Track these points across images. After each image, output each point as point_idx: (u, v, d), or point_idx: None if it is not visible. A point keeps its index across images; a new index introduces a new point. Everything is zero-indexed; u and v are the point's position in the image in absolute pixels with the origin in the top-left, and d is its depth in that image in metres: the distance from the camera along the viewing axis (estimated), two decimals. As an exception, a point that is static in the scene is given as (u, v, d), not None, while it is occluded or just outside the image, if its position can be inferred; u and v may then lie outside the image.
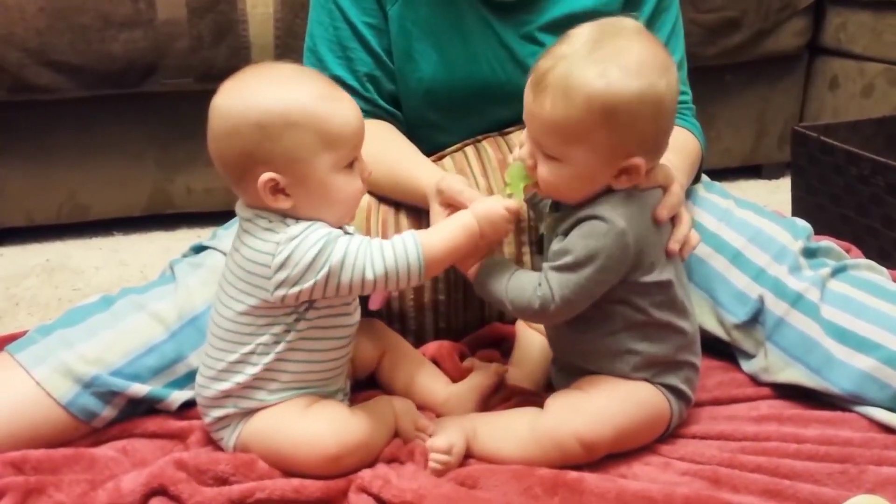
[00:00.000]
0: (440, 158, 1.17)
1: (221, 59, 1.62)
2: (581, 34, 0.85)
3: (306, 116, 0.84)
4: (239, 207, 0.90)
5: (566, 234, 0.88)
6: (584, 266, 0.85)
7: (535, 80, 0.85)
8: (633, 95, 0.82)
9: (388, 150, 1.08)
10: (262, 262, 0.85)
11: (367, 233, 1.10)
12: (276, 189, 0.85)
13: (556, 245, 0.88)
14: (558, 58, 0.83)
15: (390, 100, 1.15)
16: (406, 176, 1.06)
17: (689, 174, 1.08)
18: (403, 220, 1.11)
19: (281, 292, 0.85)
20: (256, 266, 0.85)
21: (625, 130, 0.83)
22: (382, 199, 1.12)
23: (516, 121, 1.16)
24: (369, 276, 0.85)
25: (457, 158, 1.17)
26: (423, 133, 1.17)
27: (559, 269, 0.86)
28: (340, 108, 0.86)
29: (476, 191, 0.96)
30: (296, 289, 0.84)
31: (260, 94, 0.84)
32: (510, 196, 0.90)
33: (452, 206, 0.96)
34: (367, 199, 1.11)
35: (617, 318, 0.89)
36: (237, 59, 1.62)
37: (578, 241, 0.86)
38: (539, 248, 1.09)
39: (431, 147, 1.16)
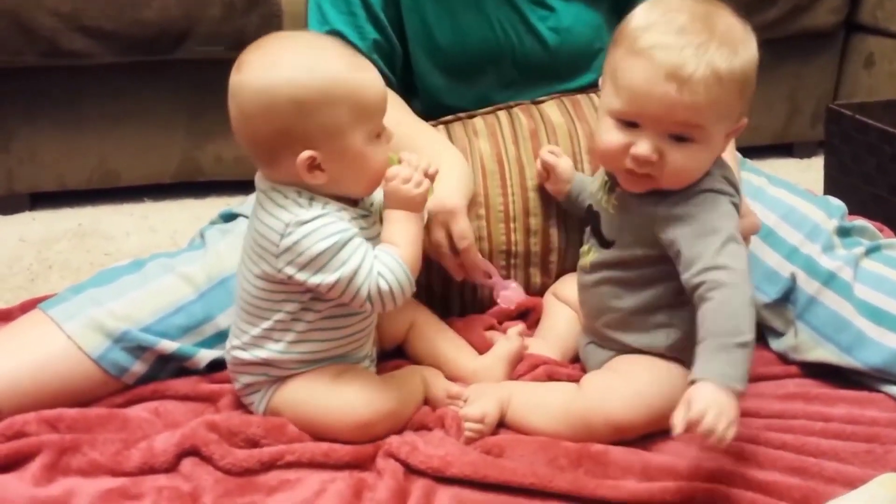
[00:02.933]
0: (471, 117, 1.16)
1: (253, 27, 1.62)
2: (673, 17, 0.83)
3: (342, 90, 0.83)
4: (258, 178, 0.90)
5: (670, 208, 0.86)
6: (736, 235, 0.84)
7: (674, 71, 0.81)
8: (754, 63, 0.85)
9: (402, 124, 1.04)
10: (270, 238, 0.85)
11: None
12: (312, 165, 0.84)
13: (667, 228, 0.86)
14: (686, 45, 0.81)
15: (388, 62, 1.13)
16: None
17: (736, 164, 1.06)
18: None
19: (288, 271, 0.85)
20: (266, 241, 0.86)
21: (749, 95, 0.86)
22: None
23: (520, 83, 1.16)
24: (368, 301, 0.85)
25: (488, 121, 1.16)
26: (428, 95, 1.17)
27: (723, 247, 0.82)
28: (370, 78, 0.86)
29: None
30: (301, 275, 0.84)
31: (292, 68, 0.83)
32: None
33: None
34: None
35: (663, 292, 0.90)
36: (269, 27, 1.62)
37: (710, 215, 0.85)
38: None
39: (434, 109, 1.16)
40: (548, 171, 1.08)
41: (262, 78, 0.83)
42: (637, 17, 0.86)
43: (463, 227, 0.98)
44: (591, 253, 0.96)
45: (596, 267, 0.95)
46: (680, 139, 0.84)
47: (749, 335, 0.79)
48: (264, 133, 0.84)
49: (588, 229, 0.97)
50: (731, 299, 0.80)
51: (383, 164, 0.88)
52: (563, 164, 1.08)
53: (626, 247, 0.91)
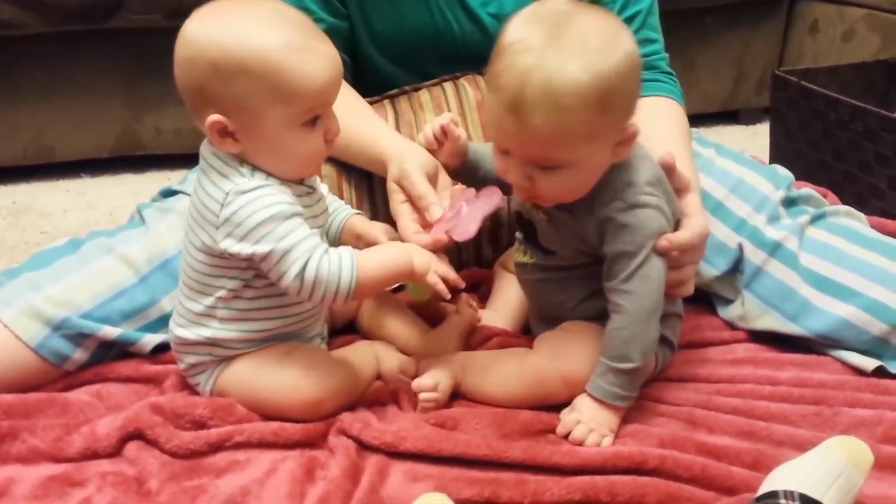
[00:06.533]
0: (416, 90, 1.15)
1: (191, -6, 1.57)
2: (526, 33, 0.77)
3: (264, 65, 0.78)
4: (203, 144, 0.87)
5: (591, 227, 0.86)
6: (653, 257, 0.85)
7: (512, 101, 0.77)
8: (618, 72, 0.78)
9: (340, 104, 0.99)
10: (211, 208, 0.83)
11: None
12: (224, 132, 0.81)
13: (601, 240, 0.86)
14: (525, 70, 0.76)
15: (338, 40, 1.07)
16: (363, 138, 1.02)
17: (689, 145, 1.06)
18: (378, 190, 1.08)
19: (226, 244, 0.82)
20: (207, 211, 0.83)
21: (619, 107, 0.80)
22: (351, 167, 1.08)
23: (462, 67, 1.15)
24: (295, 283, 0.81)
25: (434, 93, 1.14)
26: (372, 79, 1.14)
27: (635, 271, 0.84)
28: (308, 62, 0.80)
29: (435, 195, 0.93)
30: (238, 246, 0.81)
31: (225, 30, 0.79)
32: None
33: (407, 195, 0.94)
34: (334, 168, 1.09)
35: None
36: (207, -6, 1.57)
37: (632, 238, 0.84)
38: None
39: (380, 86, 1.13)
40: (441, 141, 0.96)
41: (195, 30, 0.80)
42: (505, 34, 0.79)
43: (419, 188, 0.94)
44: (529, 255, 0.94)
45: (540, 269, 0.94)
46: (546, 167, 0.81)
47: (636, 363, 0.85)
48: (184, 83, 0.82)
49: (521, 236, 0.95)
50: (627, 327, 0.85)
51: (309, 155, 0.84)
52: (463, 138, 0.97)
53: (569, 256, 0.91)
